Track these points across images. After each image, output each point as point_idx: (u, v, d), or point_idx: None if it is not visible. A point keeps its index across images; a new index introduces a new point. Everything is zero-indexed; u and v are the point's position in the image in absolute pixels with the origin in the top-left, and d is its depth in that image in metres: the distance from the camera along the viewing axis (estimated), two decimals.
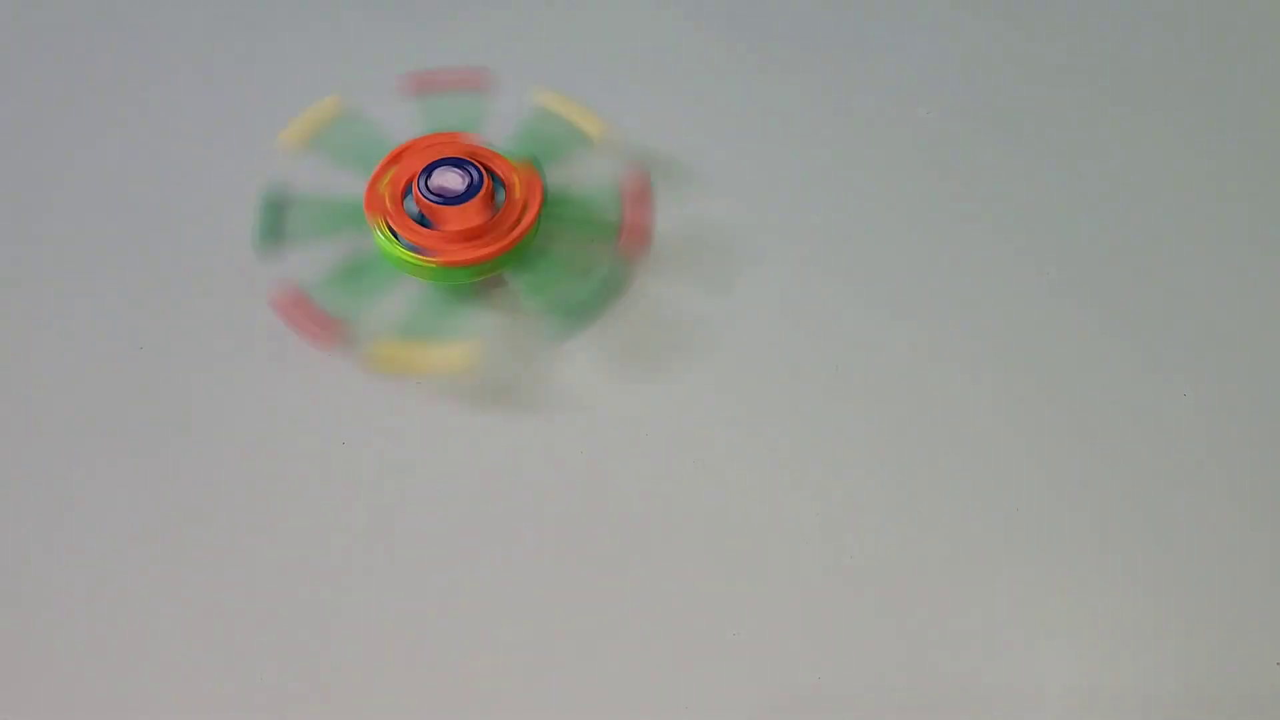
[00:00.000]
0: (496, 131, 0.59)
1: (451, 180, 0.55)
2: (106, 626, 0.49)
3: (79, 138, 0.66)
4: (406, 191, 0.56)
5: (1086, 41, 0.70)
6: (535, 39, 0.71)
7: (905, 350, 0.57)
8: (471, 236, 0.55)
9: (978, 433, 0.54)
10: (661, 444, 0.54)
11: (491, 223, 0.55)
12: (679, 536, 0.51)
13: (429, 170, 0.55)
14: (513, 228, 0.55)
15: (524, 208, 0.56)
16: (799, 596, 0.49)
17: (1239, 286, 0.59)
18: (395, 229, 0.55)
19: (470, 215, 0.54)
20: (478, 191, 0.55)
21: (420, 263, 0.55)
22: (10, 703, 0.48)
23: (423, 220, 0.56)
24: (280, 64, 0.70)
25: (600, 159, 0.60)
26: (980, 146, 0.65)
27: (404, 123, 0.59)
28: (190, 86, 0.69)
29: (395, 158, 0.57)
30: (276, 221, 0.57)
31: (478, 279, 0.56)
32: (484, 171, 0.55)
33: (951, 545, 0.51)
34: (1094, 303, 0.58)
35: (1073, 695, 0.47)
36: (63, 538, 0.52)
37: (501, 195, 0.56)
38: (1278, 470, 0.53)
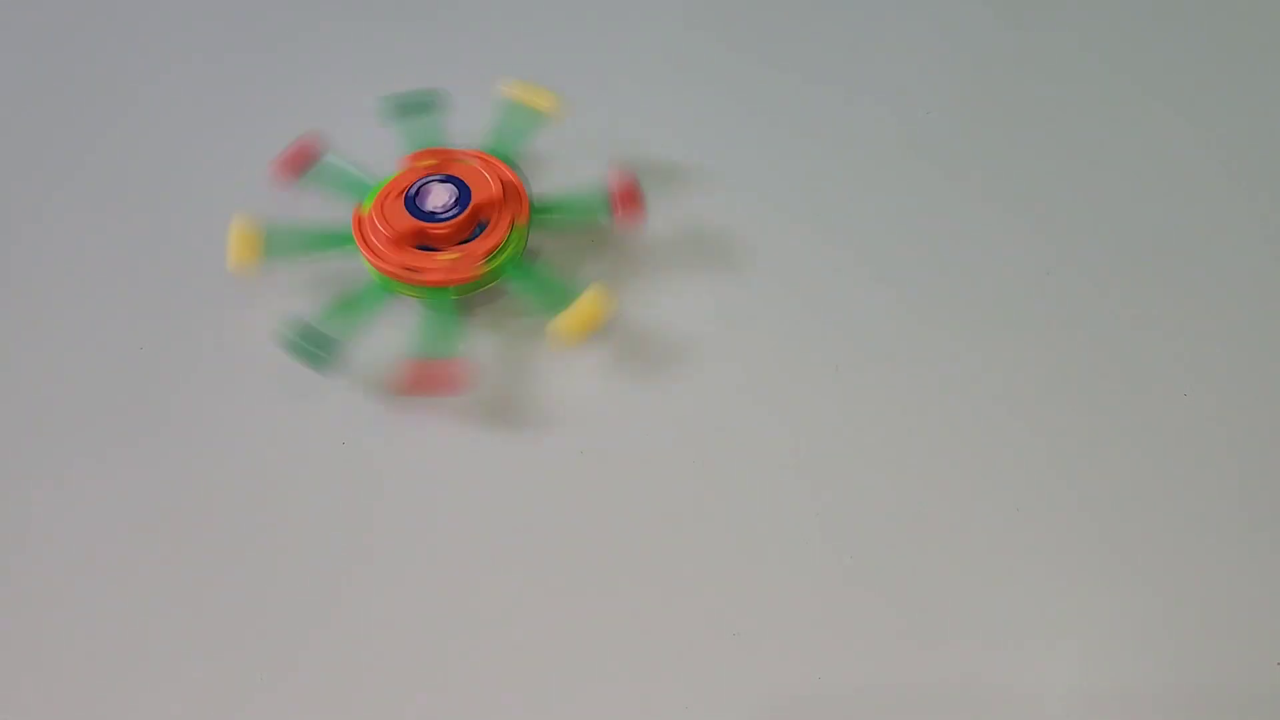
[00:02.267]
0: (467, 132, 0.60)
1: (438, 197, 0.55)
2: (104, 627, 0.49)
3: (82, 139, 0.66)
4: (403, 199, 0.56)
5: (1088, 40, 0.70)
6: (537, 40, 0.71)
7: (904, 350, 0.57)
8: (462, 252, 0.55)
9: (978, 432, 0.54)
10: (660, 444, 0.54)
11: (481, 237, 0.55)
12: (678, 536, 0.51)
13: (415, 192, 0.55)
14: (499, 240, 0.55)
15: (513, 219, 0.56)
16: (799, 596, 0.49)
17: (1240, 286, 0.59)
18: (384, 252, 0.55)
19: (460, 232, 0.55)
20: (466, 206, 0.55)
21: (411, 285, 0.55)
22: (6, 701, 0.48)
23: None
24: (286, 73, 0.70)
25: (586, 163, 0.61)
26: (982, 147, 0.65)
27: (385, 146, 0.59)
28: (196, 91, 0.69)
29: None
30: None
31: (470, 293, 0.56)
32: (467, 187, 0.56)
33: (952, 545, 0.51)
34: (1095, 303, 0.58)
35: (1073, 695, 0.47)
36: (60, 537, 0.52)
37: (484, 223, 0.56)
38: (1278, 470, 0.53)
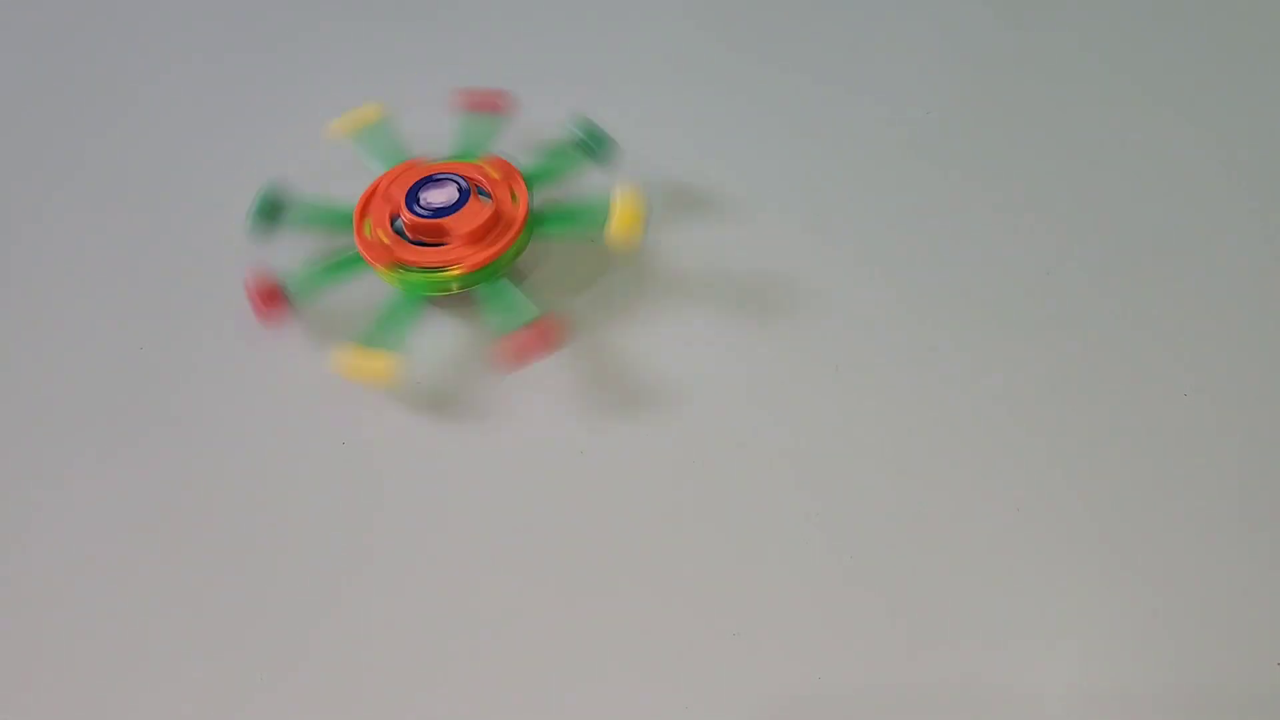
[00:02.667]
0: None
1: (439, 196, 0.55)
2: (104, 627, 0.49)
3: (83, 139, 0.66)
4: (394, 223, 0.56)
5: (1088, 40, 0.70)
6: (536, 40, 0.71)
7: (904, 351, 0.57)
8: (484, 233, 0.55)
9: (978, 432, 0.54)
10: (660, 443, 0.54)
11: (496, 215, 0.55)
12: (678, 537, 0.51)
13: (413, 196, 0.55)
14: (517, 209, 0.56)
15: (511, 189, 0.57)
16: (799, 596, 0.49)
17: (1240, 286, 0.59)
18: (408, 264, 0.55)
19: (476, 214, 0.55)
20: (469, 194, 0.55)
21: (448, 278, 0.55)
22: (6, 701, 0.48)
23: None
24: (286, 73, 0.70)
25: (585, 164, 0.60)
26: (982, 147, 0.65)
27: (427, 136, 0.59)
28: (196, 91, 0.69)
29: (364, 207, 0.57)
30: (271, 211, 0.58)
31: (507, 269, 0.57)
32: (464, 177, 0.56)
33: (952, 545, 0.51)
34: (1095, 303, 0.58)
35: (1073, 695, 0.47)
36: (60, 537, 0.52)
37: (487, 198, 0.57)
38: (1278, 470, 0.53)
